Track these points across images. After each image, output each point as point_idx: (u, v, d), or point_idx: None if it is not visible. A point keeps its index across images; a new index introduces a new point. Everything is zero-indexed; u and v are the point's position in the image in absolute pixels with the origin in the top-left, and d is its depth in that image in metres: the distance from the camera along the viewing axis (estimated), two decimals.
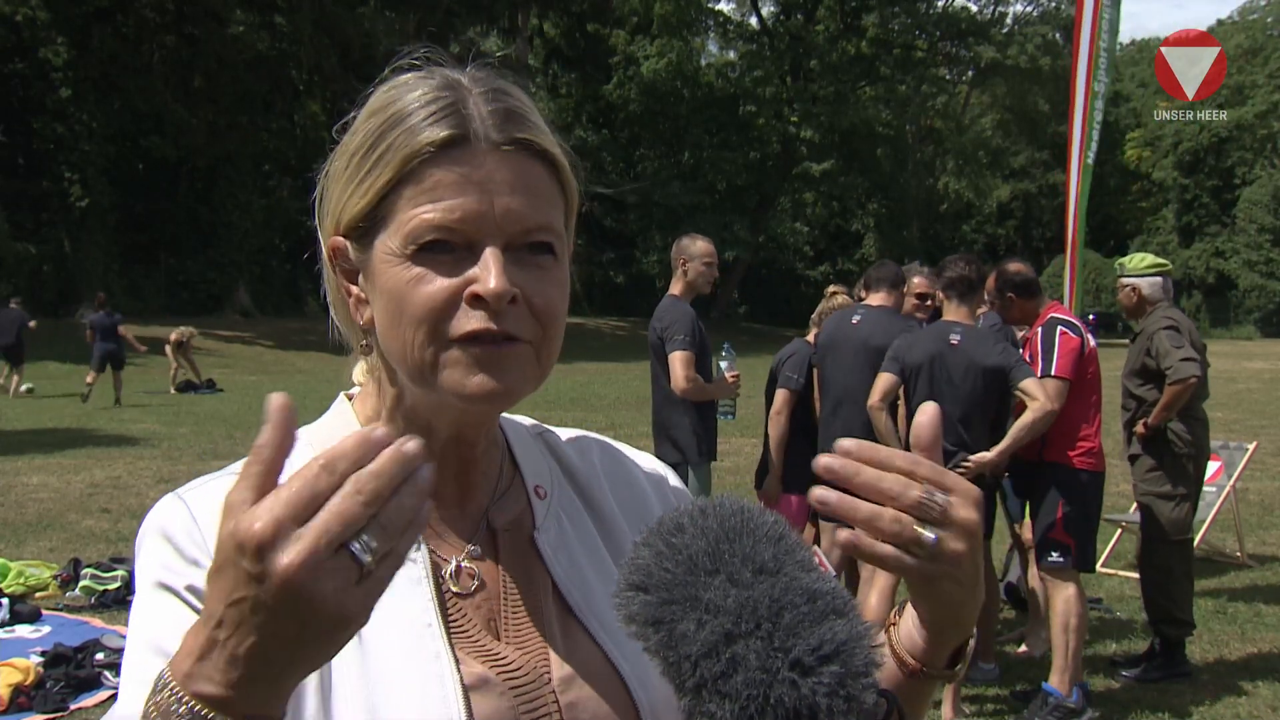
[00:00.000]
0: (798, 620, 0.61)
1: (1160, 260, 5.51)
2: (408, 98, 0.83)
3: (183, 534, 0.80)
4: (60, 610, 6.05)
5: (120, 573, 6.25)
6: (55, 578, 6.42)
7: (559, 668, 0.85)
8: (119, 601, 6.09)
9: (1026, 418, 4.50)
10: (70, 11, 29.69)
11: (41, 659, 4.98)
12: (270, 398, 0.62)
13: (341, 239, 0.86)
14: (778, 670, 0.60)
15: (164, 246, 32.45)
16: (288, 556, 0.57)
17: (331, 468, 0.59)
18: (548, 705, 0.83)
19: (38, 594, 6.24)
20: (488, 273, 0.79)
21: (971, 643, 0.84)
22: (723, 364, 5.16)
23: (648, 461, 1.04)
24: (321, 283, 0.91)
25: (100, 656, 4.98)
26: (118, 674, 4.86)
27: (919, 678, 0.82)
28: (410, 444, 0.60)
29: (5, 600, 5.88)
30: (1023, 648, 5.55)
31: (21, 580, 6.25)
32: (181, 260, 32.34)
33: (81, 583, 6.26)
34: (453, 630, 0.84)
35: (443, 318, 0.80)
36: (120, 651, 4.90)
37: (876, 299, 5.27)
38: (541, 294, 0.82)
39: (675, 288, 5.14)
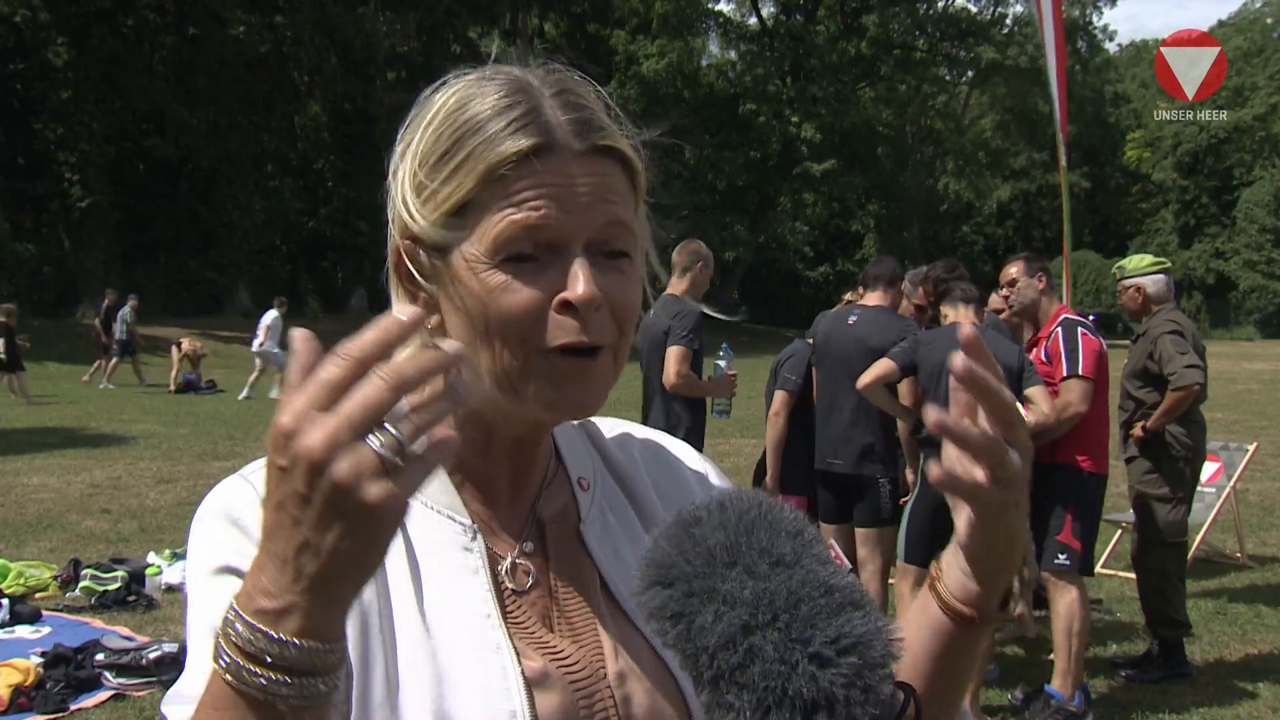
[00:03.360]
0: (815, 612, 0.62)
1: (1160, 259, 5.50)
2: (480, 104, 0.82)
3: (252, 517, 0.79)
4: (60, 611, 6.05)
5: (120, 573, 6.24)
6: (55, 578, 6.42)
7: (613, 662, 0.86)
8: (119, 602, 6.09)
9: (1051, 418, 4.47)
10: (71, 12, 29.72)
11: (41, 659, 4.98)
12: (293, 335, 0.62)
13: (410, 243, 0.85)
14: (796, 662, 0.60)
15: (164, 246, 32.43)
16: (307, 439, 0.58)
17: (348, 354, 0.59)
18: (604, 700, 0.84)
19: (38, 594, 6.24)
20: (577, 280, 0.80)
21: (1016, 584, 0.85)
22: (720, 363, 5.16)
23: (692, 457, 1.04)
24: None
25: (100, 657, 4.97)
26: (118, 674, 4.88)
27: (973, 625, 0.83)
28: (450, 344, 0.61)
29: (5, 601, 5.87)
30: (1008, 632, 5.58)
31: (21, 580, 6.25)
32: (182, 260, 32.32)
33: (81, 583, 6.26)
34: (511, 624, 0.84)
35: (533, 326, 0.81)
36: (120, 652, 4.94)
37: (873, 298, 5.25)
38: (622, 297, 0.84)
39: (677, 288, 5.12)
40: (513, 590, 0.87)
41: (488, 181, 0.80)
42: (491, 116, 0.81)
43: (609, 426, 1.02)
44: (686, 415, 5.03)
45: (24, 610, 5.85)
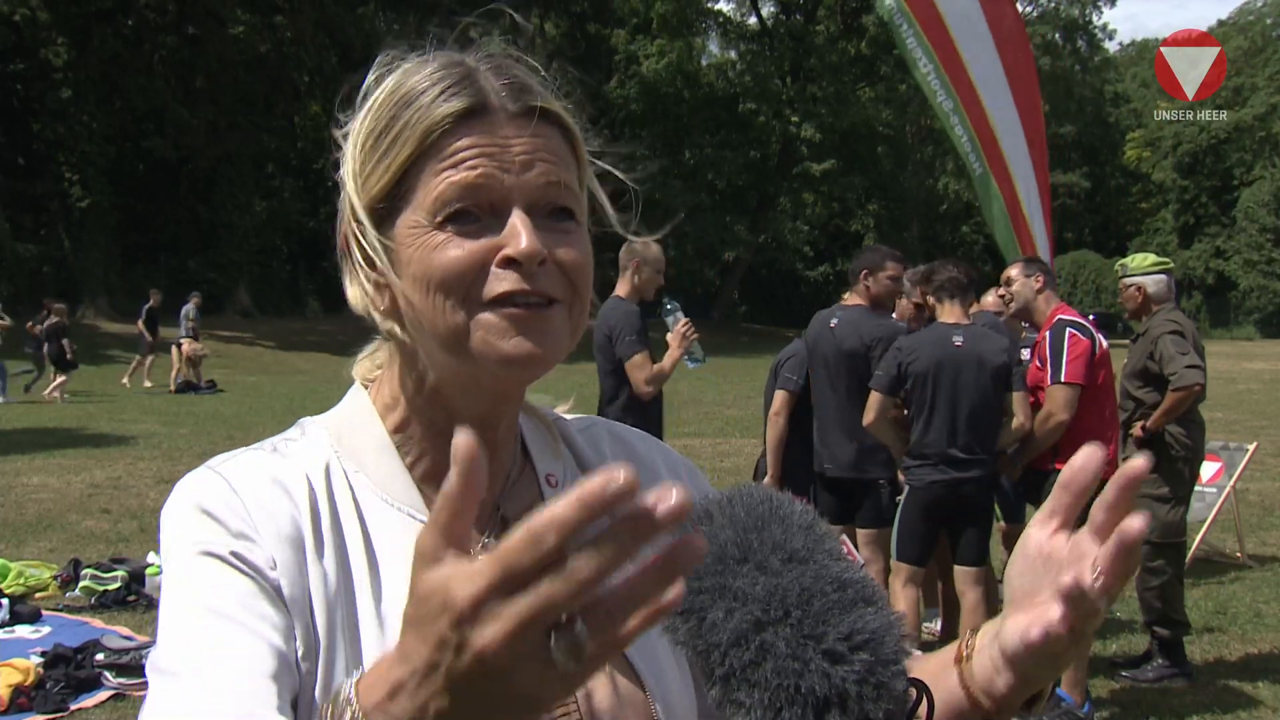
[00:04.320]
0: (827, 608, 0.61)
1: (1163, 259, 5.49)
2: (416, 78, 0.84)
3: (223, 507, 0.80)
4: (60, 610, 6.05)
5: (120, 573, 6.24)
6: (55, 578, 6.42)
7: None
8: (119, 602, 6.09)
9: (1026, 427, 4.44)
10: (71, 11, 29.72)
11: (41, 659, 4.98)
12: (457, 440, 0.55)
13: (358, 225, 0.85)
14: (808, 659, 0.59)
15: (164, 246, 32.46)
16: (484, 637, 0.53)
17: (540, 539, 0.51)
18: (568, 701, 0.82)
19: (38, 594, 6.24)
20: (518, 235, 0.80)
21: (1048, 688, 0.82)
22: (668, 320, 4.99)
23: (667, 454, 1.03)
24: (332, 280, 0.90)
25: (100, 657, 4.97)
26: (118, 674, 4.88)
27: (988, 715, 0.79)
28: (671, 499, 0.51)
29: (5, 600, 5.87)
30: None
31: (21, 580, 6.25)
32: (182, 260, 32.33)
33: (81, 583, 6.26)
34: None
35: (473, 281, 0.80)
36: (120, 652, 4.94)
37: (853, 297, 5.15)
38: (569, 256, 0.83)
39: (622, 289, 5.04)
40: None
41: (425, 146, 0.81)
42: (427, 87, 0.83)
43: (581, 423, 1.01)
44: (635, 418, 4.93)
45: (24, 610, 5.85)
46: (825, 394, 5.11)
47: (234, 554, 0.78)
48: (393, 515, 0.85)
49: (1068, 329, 4.58)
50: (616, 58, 44.45)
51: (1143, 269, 5.37)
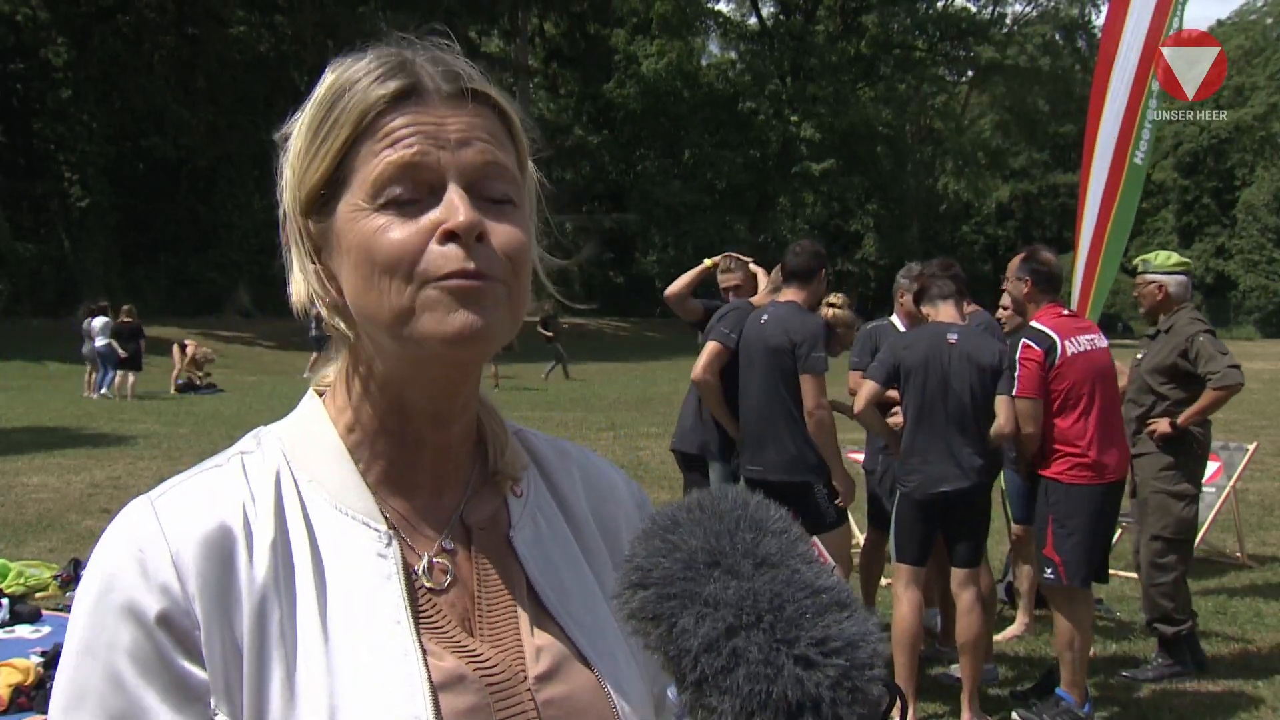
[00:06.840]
0: (800, 613, 0.60)
1: (1185, 259, 5.53)
2: (353, 69, 0.85)
3: (146, 562, 0.78)
4: (60, 610, 6.04)
5: None
6: (55, 578, 6.42)
7: (535, 665, 0.84)
8: None
9: (1005, 430, 4.44)
10: (71, 11, 29.71)
11: (41, 659, 4.97)
12: None
13: (303, 218, 0.85)
14: (781, 664, 0.59)
15: (164, 246, 32.43)
16: None
17: None
18: (524, 703, 0.82)
19: (38, 594, 6.24)
20: (454, 208, 0.79)
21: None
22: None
23: (628, 484, 1.04)
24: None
25: None
26: None
27: None
28: None
29: (5, 600, 5.87)
30: (1008, 632, 5.67)
31: (21, 580, 6.25)
32: (181, 260, 32.31)
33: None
34: (427, 626, 0.83)
35: (415, 261, 0.79)
36: None
37: (788, 293, 4.88)
38: (506, 234, 0.82)
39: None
40: (429, 589, 0.85)
41: (361, 128, 0.82)
42: (363, 75, 0.83)
43: (546, 439, 1.01)
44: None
45: (24, 610, 5.84)
46: (749, 392, 4.80)
47: (160, 617, 0.76)
48: (346, 524, 0.84)
49: (1023, 339, 4.51)
50: (616, 58, 44.46)
51: (1165, 268, 5.39)
